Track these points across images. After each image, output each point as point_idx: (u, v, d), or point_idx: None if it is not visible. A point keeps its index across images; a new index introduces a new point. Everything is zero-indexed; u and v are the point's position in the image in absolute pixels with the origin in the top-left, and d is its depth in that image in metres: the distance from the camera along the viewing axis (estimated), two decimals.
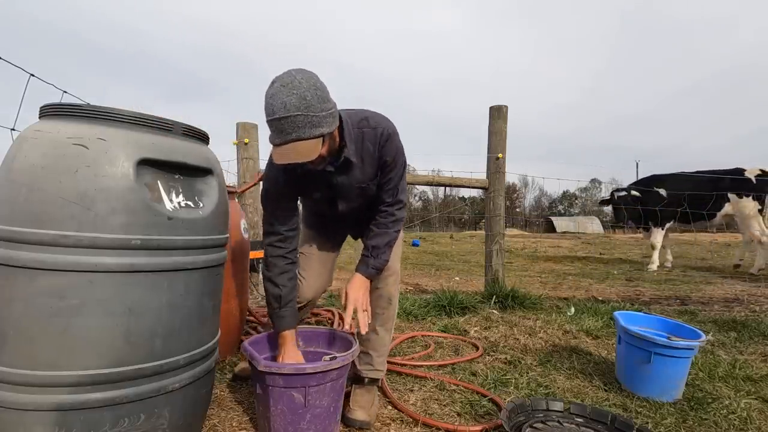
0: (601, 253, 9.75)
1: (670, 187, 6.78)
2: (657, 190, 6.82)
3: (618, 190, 7.00)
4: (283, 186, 1.46)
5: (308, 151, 1.19)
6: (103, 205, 1.00)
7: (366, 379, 1.65)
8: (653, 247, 6.93)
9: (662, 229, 6.89)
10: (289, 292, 1.51)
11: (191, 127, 1.21)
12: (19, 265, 0.97)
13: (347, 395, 1.62)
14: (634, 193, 6.77)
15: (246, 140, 3.56)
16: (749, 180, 6.88)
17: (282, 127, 1.15)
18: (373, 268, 1.52)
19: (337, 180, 1.47)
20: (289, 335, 1.50)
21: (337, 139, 1.36)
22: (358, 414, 1.50)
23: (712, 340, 2.76)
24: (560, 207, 74.66)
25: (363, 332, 1.48)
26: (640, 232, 7.38)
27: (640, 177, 7.32)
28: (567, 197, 76.34)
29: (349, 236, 1.85)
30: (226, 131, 3.70)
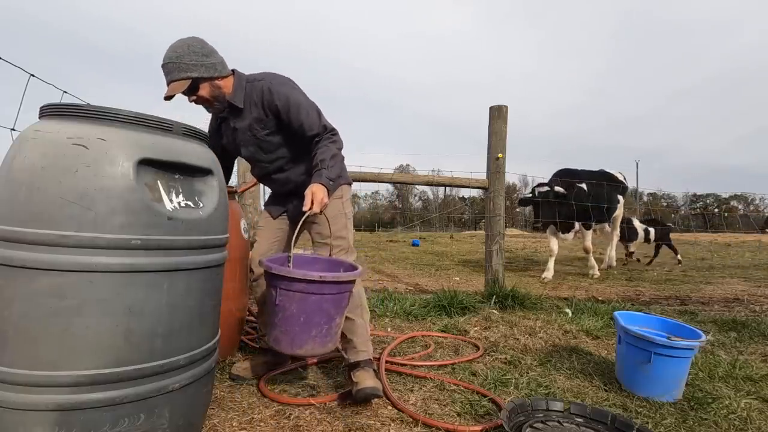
0: (601, 253, 9.73)
1: (587, 184, 5.97)
2: (580, 185, 5.87)
3: (540, 185, 5.87)
4: (214, 127, 1.91)
5: (178, 87, 1.58)
6: (103, 205, 0.99)
7: (360, 362, 1.77)
8: (587, 251, 6.10)
9: (591, 231, 6.07)
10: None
11: (191, 127, 1.21)
12: (19, 265, 0.97)
13: (351, 381, 1.73)
14: (557, 189, 5.65)
15: None
16: (623, 182, 6.62)
17: (164, 71, 1.59)
18: (327, 177, 1.67)
19: (234, 124, 1.80)
20: None
21: (227, 90, 1.73)
22: (368, 382, 1.66)
23: (712, 340, 2.76)
24: None
25: (308, 210, 1.59)
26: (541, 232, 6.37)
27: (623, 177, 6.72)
28: None
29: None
30: None
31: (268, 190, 2.08)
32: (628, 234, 7.52)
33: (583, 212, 5.75)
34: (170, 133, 1.14)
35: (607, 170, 6.60)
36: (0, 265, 0.98)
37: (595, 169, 6.47)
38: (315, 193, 1.61)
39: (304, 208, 1.57)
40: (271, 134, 1.79)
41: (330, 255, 1.80)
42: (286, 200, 1.95)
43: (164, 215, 1.08)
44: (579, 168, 6.30)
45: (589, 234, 6.03)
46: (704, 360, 2.30)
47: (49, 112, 1.07)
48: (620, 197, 6.49)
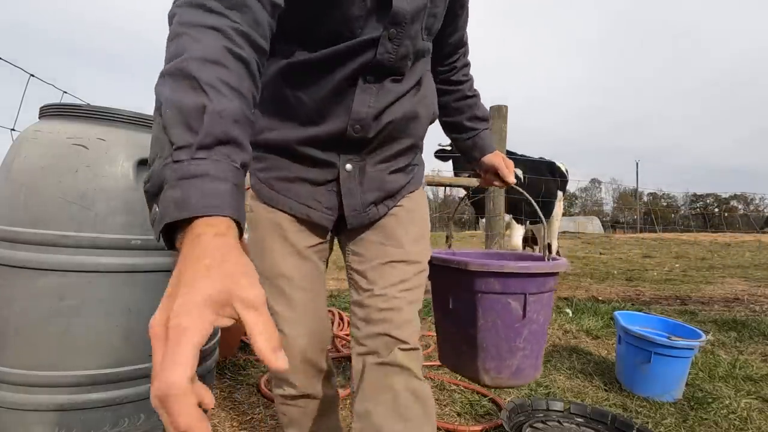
0: (601, 253, 9.75)
1: (524, 169, 4.75)
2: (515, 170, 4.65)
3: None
4: None
5: None
6: (102, 205, 1.00)
7: None
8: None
9: (524, 227, 4.78)
10: (223, 106, 0.47)
11: None
12: (19, 265, 0.97)
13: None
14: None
15: None
16: (565, 175, 5.36)
17: None
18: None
19: None
20: (224, 227, 0.42)
21: None
22: None
23: (712, 339, 2.76)
24: None
25: (511, 181, 1.11)
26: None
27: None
28: (567, 197, 76.33)
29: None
30: None
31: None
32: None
33: (513, 204, 4.47)
34: None
35: (546, 159, 5.30)
36: (0, 265, 0.98)
37: (535, 157, 5.22)
38: (507, 160, 1.07)
39: (509, 179, 1.07)
40: (440, 18, 0.86)
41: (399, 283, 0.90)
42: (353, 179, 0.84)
43: None
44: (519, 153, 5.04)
45: (521, 230, 4.68)
46: (704, 360, 2.30)
47: (49, 112, 1.07)
48: (560, 192, 5.21)
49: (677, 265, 7.38)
